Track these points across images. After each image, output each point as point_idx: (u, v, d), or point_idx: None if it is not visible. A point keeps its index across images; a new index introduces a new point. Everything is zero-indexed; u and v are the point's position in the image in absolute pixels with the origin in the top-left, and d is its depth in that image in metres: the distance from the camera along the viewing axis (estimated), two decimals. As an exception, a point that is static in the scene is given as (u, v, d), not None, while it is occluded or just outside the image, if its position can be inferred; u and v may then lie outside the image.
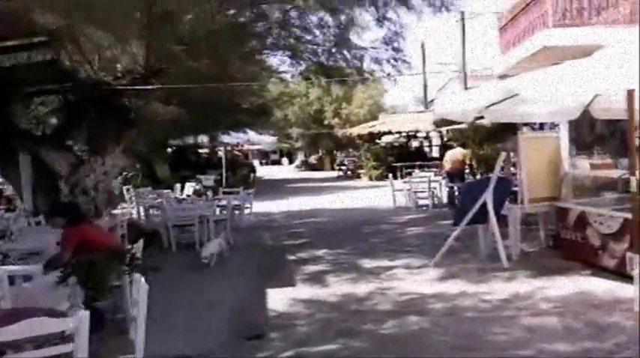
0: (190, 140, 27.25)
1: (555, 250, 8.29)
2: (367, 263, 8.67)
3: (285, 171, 47.99)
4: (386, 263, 8.58)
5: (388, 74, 13.03)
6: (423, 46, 34.37)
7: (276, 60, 14.53)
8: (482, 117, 9.16)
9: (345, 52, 12.36)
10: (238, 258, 9.67)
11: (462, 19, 27.66)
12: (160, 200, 14.34)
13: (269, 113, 22.41)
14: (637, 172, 5.97)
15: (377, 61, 12.72)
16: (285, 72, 15.58)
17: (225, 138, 24.86)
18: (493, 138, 15.53)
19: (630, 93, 6.11)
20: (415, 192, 15.62)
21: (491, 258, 8.08)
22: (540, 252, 8.61)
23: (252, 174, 26.46)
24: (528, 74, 6.26)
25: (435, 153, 32.58)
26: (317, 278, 7.83)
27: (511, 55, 14.00)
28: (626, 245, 6.56)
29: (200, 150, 32.53)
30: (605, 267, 6.96)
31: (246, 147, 42.57)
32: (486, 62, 24.33)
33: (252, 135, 26.92)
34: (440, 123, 21.44)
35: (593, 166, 8.50)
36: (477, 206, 7.84)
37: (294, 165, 52.88)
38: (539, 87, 5.89)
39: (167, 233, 10.62)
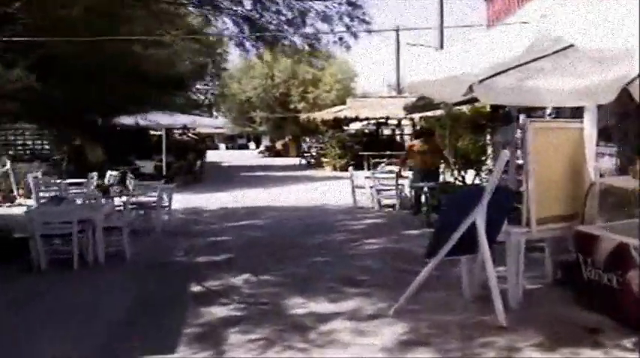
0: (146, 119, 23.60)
1: (567, 288, 5.74)
2: (299, 304, 5.90)
3: (248, 156, 44.98)
4: (325, 306, 5.82)
5: (340, 38, 9.89)
6: (397, 30, 31.98)
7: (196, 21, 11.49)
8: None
9: (281, 3, 9.25)
10: (113, 287, 6.88)
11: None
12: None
13: (183, 85, 18.98)
14: None
15: (325, 18, 9.66)
16: (208, 35, 12.44)
17: (160, 119, 21.33)
18: (475, 128, 12.81)
19: None
20: (378, 190, 12.86)
21: (480, 304, 5.45)
22: (547, 291, 6.00)
23: (198, 161, 23.35)
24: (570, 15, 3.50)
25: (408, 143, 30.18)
26: (213, 336, 5.04)
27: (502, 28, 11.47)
28: None
29: (153, 132, 29.21)
30: (662, 335, 4.37)
31: (205, 130, 39.33)
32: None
33: (192, 117, 23.56)
34: (411, 108, 18.69)
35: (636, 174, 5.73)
36: (463, 228, 5.12)
37: (258, 150, 49.90)
38: (592, 33, 3.20)
39: (35, 245, 7.74)
